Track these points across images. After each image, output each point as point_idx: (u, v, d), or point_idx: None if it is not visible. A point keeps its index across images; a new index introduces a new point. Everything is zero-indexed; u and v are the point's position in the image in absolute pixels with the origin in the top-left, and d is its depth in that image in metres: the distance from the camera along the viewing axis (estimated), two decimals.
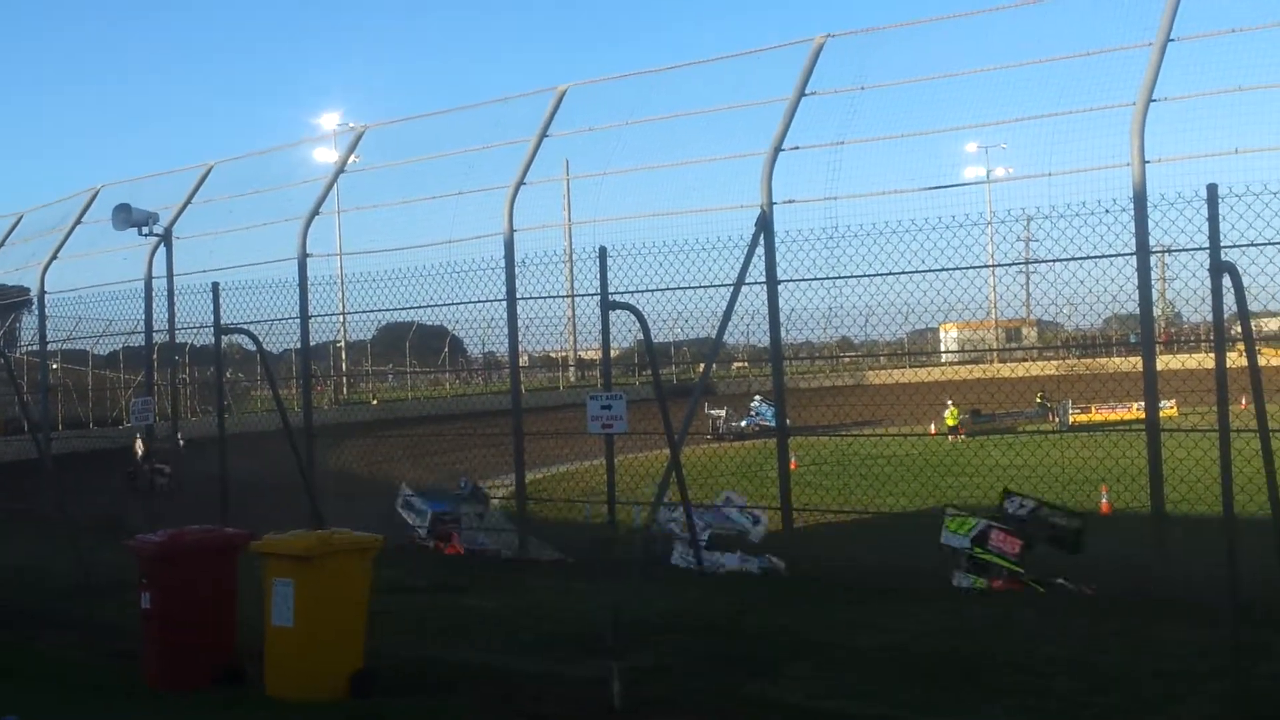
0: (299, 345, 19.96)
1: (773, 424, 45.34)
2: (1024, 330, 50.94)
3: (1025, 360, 47.00)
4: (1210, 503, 9.61)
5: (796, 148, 15.33)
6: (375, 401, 53.39)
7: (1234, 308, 8.91)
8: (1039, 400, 44.24)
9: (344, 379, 54.48)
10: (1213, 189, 8.96)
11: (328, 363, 44.71)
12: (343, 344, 41.66)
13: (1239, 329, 9.85)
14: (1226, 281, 8.81)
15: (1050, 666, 10.27)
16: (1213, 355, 8.93)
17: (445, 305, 18.23)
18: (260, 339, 14.97)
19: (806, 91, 15.41)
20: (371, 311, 19.25)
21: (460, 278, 17.75)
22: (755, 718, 9.20)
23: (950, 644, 11.24)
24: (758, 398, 48.11)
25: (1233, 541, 8.56)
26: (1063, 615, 11.94)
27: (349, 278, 20.01)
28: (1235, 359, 9.16)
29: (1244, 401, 9.02)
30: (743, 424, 45.09)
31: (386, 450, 26.57)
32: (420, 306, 18.56)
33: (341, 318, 22.57)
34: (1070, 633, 11.31)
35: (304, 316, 19.32)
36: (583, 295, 17.07)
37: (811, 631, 11.86)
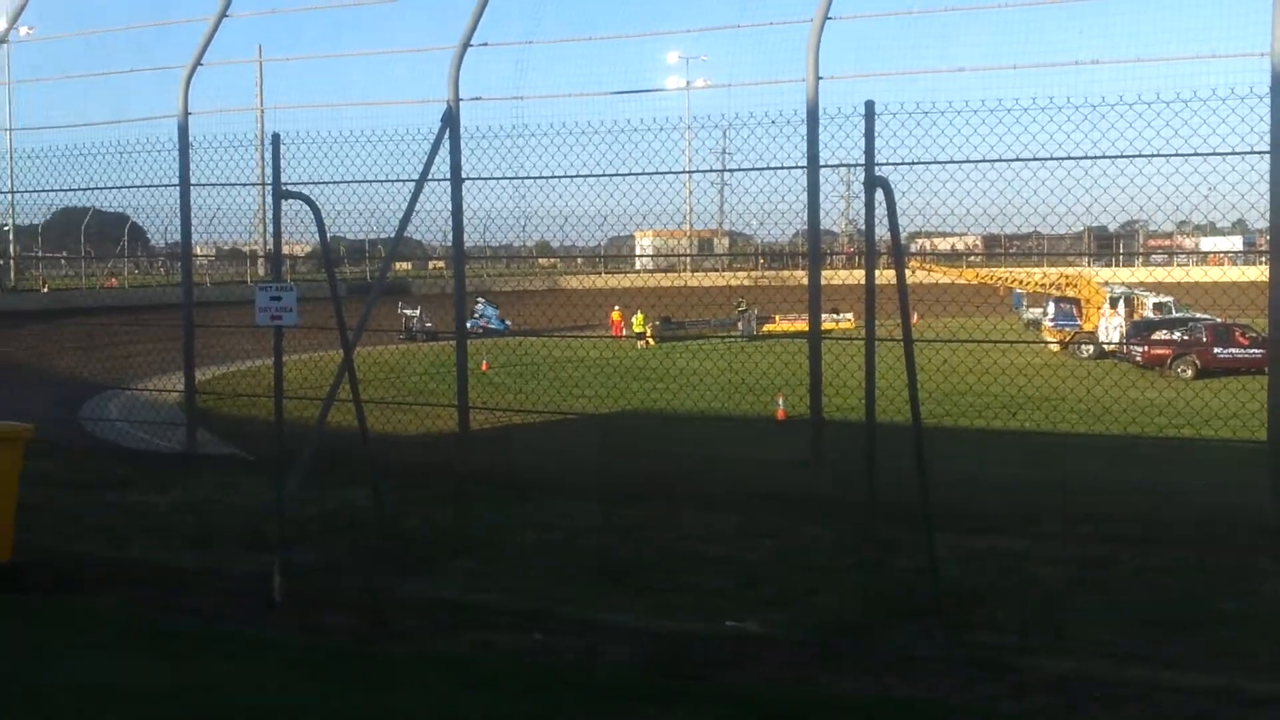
0: None
1: (497, 326, 45.42)
2: (716, 241, 52.27)
3: (716, 270, 48.36)
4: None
5: (486, 44, 15.14)
6: (46, 289, 50.75)
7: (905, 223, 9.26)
8: (740, 310, 45.55)
9: (13, 263, 51.49)
10: (870, 105, 9.29)
11: None
12: (11, 227, 39.26)
13: (924, 244, 10.23)
14: (881, 197, 9.16)
15: (699, 563, 10.67)
16: (891, 269, 9.25)
17: (114, 189, 17.38)
18: None
19: None
20: (40, 192, 18.13)
21: (133, 160, 16.94)
22: (411, 611, 9.27)
23: (607, 541, 11.54)
24: (481, 299, 47.89)
25: (872, 442, 9.00)
26: (715, 514, 12.37)
27: (20, 154, 18.79)
28: (914, 273, 9.51)
29: (916, 316, 9.42)
30: (467, 325, 44.72)
31: (55, 340, 25.36)
32: (88, 189, 17.64)
33: (10, 197, 21.18)
34: (723, 532, 11.74)
35: None
36: (256, 185, 16.58)
37: (477, 530, 11.98)
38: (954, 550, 10.38)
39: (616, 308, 44.32)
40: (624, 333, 43.58)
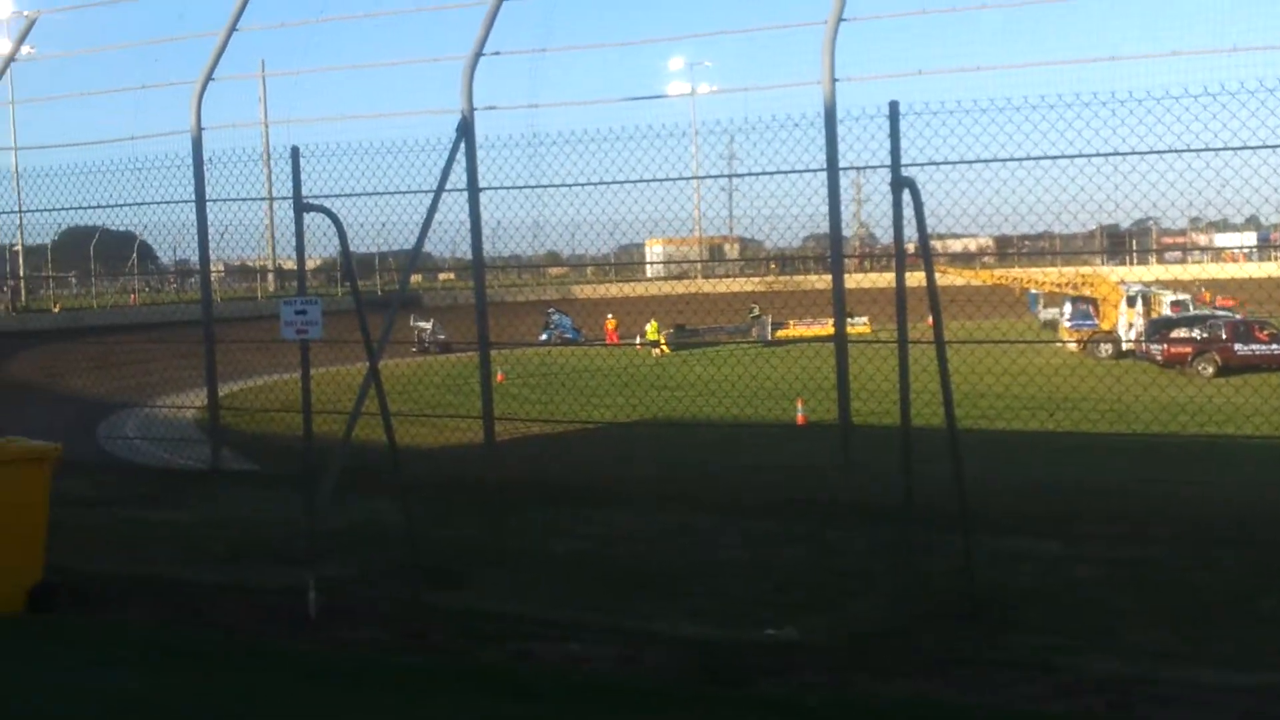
0: None
1: (573, 335, 45.26)
2: (727, 247, 52.12)
3: (728, 276, 48.29)
4: (894, 413, 10.01)
5: (498, 53, 15.06)
6: (58, 308, 50.74)
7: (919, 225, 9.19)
8: (753, 316, 45.49)
9: (22, 283, 51.46)
10: (894, 105, 9.22)
11: (4, 267, 42.13)
12: (20, 246, 39.25)
13: (936, 246, 10.13)
14: (908, 198, 9.09)
15: (731, 570, 10.61)
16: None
17: (130, 205, 17.32)
18: None
19: None
20: (50, 210, 18.09)
21: (145, 176, 16.88)
22: (447, 623, 9.20)
23: (638, 549, 11.49)
24: (553, 309, 47.85)
25: (907, 446, 8.92)
26: (744, 521, 12.31)
27: (26, 174, 18.76)
28: (922, 277, 9.43)
29: (928, 318, 9.36)
30: (543, 337, 44.61)
31: (71, 359, 25.34)
32: (103, 206, 17.57)
33: (18, 217, 21.16)
34: (753, 538, 11.68)
35: None
36: (279, 199, 16.53)
37: (507, 540, 11.92)
38: (988, 552, 10.28)
39: (610, 315, 44.41)
40: (619, 340, 43.63)
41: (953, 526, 9.23)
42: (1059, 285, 41.09)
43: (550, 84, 15.19)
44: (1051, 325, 43.02)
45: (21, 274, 48.52)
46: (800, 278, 38.53)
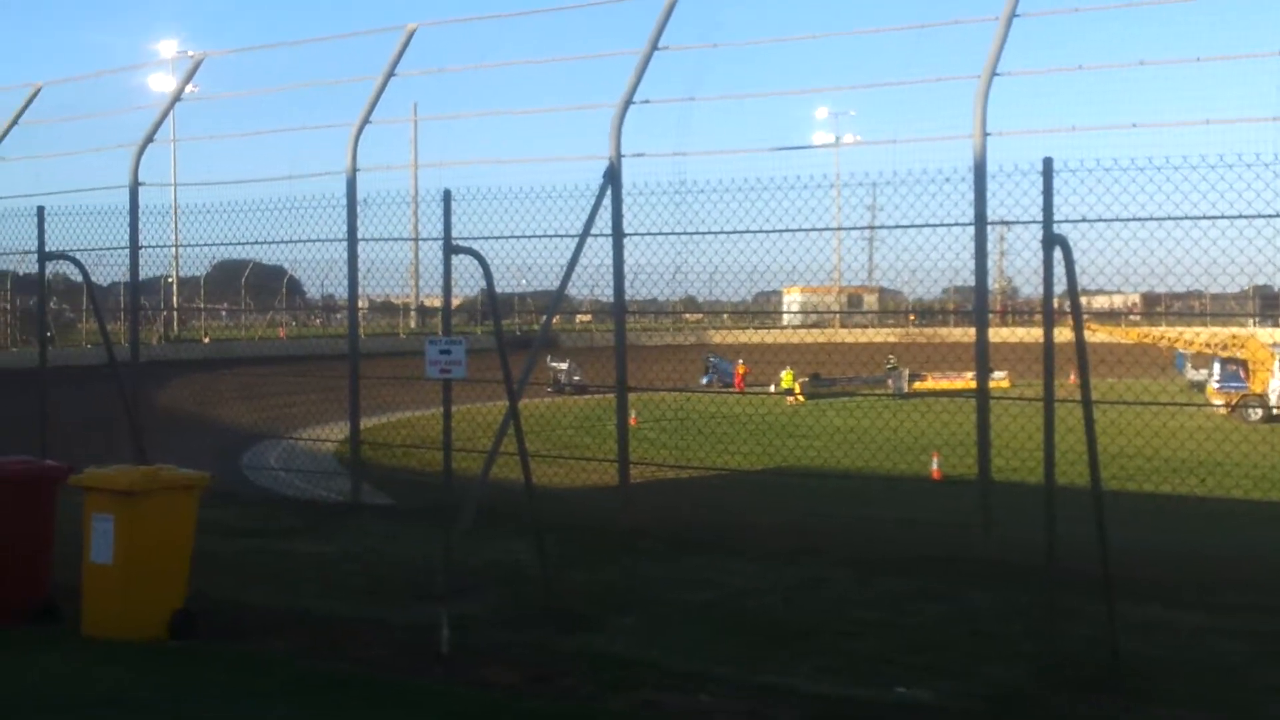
0: (128, 278, 19.25)
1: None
2: (866, 297, 51.80)
3: (866, 326, 47.94)
4: (1035, 471, 9.85)
5: (647, 101, 15.19)
6: (208, 339, 52.23)
7: (1065, 281, 9.05)
8: (889, 367, 45.16)
9: (175, 314, 53.02)
10: (1048, 162, 9.11)
11: (159, 297, 43.48)
12: (175, 279, 40.54)
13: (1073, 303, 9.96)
14: (1058, 255, 8.96)
15: (863, 627, 10.45)
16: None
17: (284, 243, 17.79)
18: (88, 269, 14.35)
19: (659, 45, 15.21)
20: (206, 245, 18.71)
21: (299, 214, 17.35)
22: (577, 668, 9.20)
23: (770, 601, 11.39)
24: (712, 355, 48.36)
25: (1051, 507, 8.75)
26: (877, 576, 12.16)
27: (184, 210, 19.40)
28: (1066, 333, 9.31)
29: (1072, 376, 9.21)
30: (704, 381, 45.27)
31: (218, 389, 26.04)
32: (258, 243, 18.08)
33: (174, 250, 21.83)
34: (886, 594, 11.52)
35: (134, 247, 18.61)
36: (426, 239, 16.85)
37: (639, 586, 11.90)
38: (1128, 619, 10.00)
39: (740, 361, 44.58)
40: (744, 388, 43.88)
41: (1094, 591, 9.01)
42: (1208, 345, 40.07)
43: (697, 131, 15.24)
44: (1199, 386, 41.93)
45: (175, 305, 49.96)
46: (944, 329, 38.14)
